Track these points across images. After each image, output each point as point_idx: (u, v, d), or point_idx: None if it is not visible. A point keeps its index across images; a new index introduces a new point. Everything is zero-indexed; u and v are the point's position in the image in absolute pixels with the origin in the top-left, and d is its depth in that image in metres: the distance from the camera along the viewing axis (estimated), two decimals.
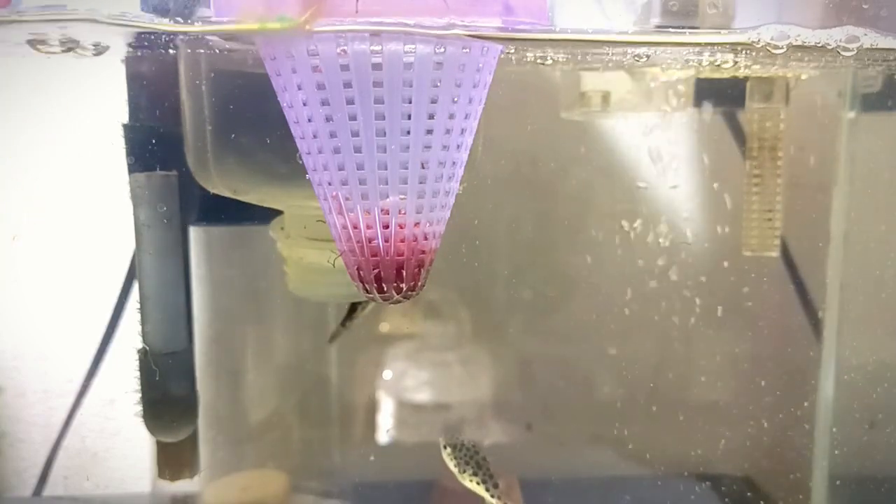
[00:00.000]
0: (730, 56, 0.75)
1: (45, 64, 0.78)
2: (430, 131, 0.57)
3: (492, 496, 0.89)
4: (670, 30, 0.66)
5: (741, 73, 0.97)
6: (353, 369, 1.23)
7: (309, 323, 1.20)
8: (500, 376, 1.25)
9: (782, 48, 0.65)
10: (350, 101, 0.55)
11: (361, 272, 0.60)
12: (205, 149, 0.77)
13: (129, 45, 0.74)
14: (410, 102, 0.56)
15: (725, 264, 1.18)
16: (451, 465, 0.90)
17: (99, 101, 0.98)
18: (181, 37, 0.67)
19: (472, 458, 0.89)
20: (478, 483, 0.89)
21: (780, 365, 1.22)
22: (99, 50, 0.71)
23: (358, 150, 0.57)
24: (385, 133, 0.56)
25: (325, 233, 0.62)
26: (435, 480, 1.13)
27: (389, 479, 1.22)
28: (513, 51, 0.72)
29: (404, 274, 0.60)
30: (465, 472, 0.89)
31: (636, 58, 0.75)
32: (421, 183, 0.58)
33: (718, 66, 0.81)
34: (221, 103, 0.76)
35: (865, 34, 0.64)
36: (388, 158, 0.57)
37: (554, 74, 1.06)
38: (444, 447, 0.90)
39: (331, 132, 0.57)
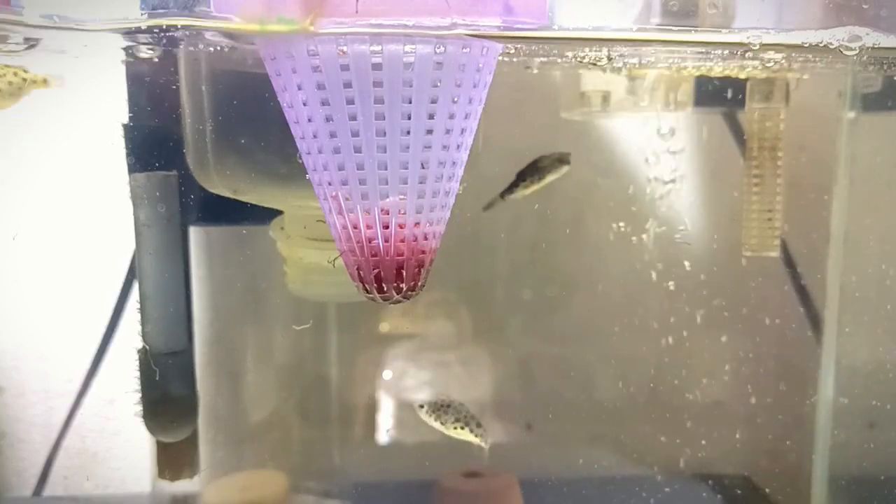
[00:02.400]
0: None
1: (44, 64, 0.78)
2: (430, 131, 0.57)
3: (476, 436, 0.90)
4: (672, 28, 0.66)
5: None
6: (353, 369, 1.23)
7: (309, 323, 1.20)
8: (500, 376, 1.25)
9: (783, 48, 0.65)
10: (350, 101, 0.55)
11: (361, 272, 0.60)
12: (205, 149, 0.77)
13: (129, 45, 0.73)
14: (410, 102, 0.56)
15: (725, 264, 1.18)
16: (432, 420, 0.91)
17: (99, 101, 0.98)
18: (181, 35, 0.67)
19: (449, 408, 0.91)
20: (461, 428, 0.90)
21: (780, 365, 1.21)
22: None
23: (358, 150, 0.57)
24: (385, 133, 0.56)
25: (325, 233, 0.62)
26: (435, 480, 1.13)
27: (389, 479, 1.22)
28: (513, 51, 0.72)
29: (404, 274, 0.60)
30: (447, 423, 0.90)
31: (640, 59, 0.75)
32: (421, 183, 0.58)
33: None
34: (221, 103, 0.76)
35: (867, 34, 0.64)
36: (388, 158, 0.57)
37: (554, 74, 1.06)
38: (421, 407, 0.92)
39: (331, 132, 0.57)
